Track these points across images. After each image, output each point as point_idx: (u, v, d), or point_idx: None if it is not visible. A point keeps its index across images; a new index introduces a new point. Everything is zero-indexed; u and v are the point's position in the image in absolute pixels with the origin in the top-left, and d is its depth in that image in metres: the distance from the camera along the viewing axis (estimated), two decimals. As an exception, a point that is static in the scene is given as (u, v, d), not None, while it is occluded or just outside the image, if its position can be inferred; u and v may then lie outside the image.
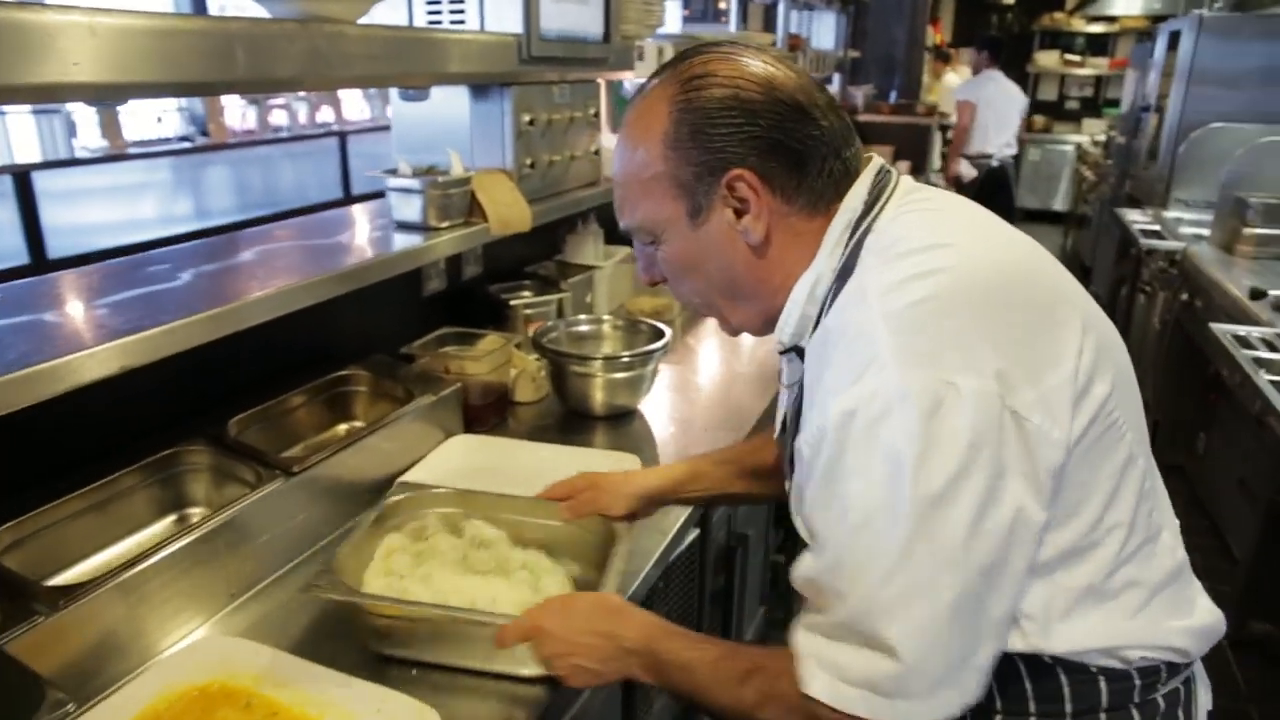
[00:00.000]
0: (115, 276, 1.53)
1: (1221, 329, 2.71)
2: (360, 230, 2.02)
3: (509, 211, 2.09)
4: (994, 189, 6.25)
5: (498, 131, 2.17)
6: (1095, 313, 0.92)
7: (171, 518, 1.45)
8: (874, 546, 0.80)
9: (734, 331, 1.04)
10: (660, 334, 2.02)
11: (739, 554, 2.09)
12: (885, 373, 0.79)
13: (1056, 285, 0.91)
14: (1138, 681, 0.93)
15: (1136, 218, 4.55)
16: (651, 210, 0.95)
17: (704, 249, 0.95)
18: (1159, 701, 0.96)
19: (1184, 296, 3.77)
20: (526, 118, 2.18)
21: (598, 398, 1.96)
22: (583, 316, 2.20)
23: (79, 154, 4.48)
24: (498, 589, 1.23)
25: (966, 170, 6.37)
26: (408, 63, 1.75)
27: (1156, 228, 4.32)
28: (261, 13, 1.52)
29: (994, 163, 6.38)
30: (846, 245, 0.91)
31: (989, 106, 6.34)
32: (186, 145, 4.96)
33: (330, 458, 1.50)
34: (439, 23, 2.13)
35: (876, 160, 0.97)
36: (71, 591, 1.10)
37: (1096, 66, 10.09)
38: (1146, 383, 4.53)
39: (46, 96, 1.13)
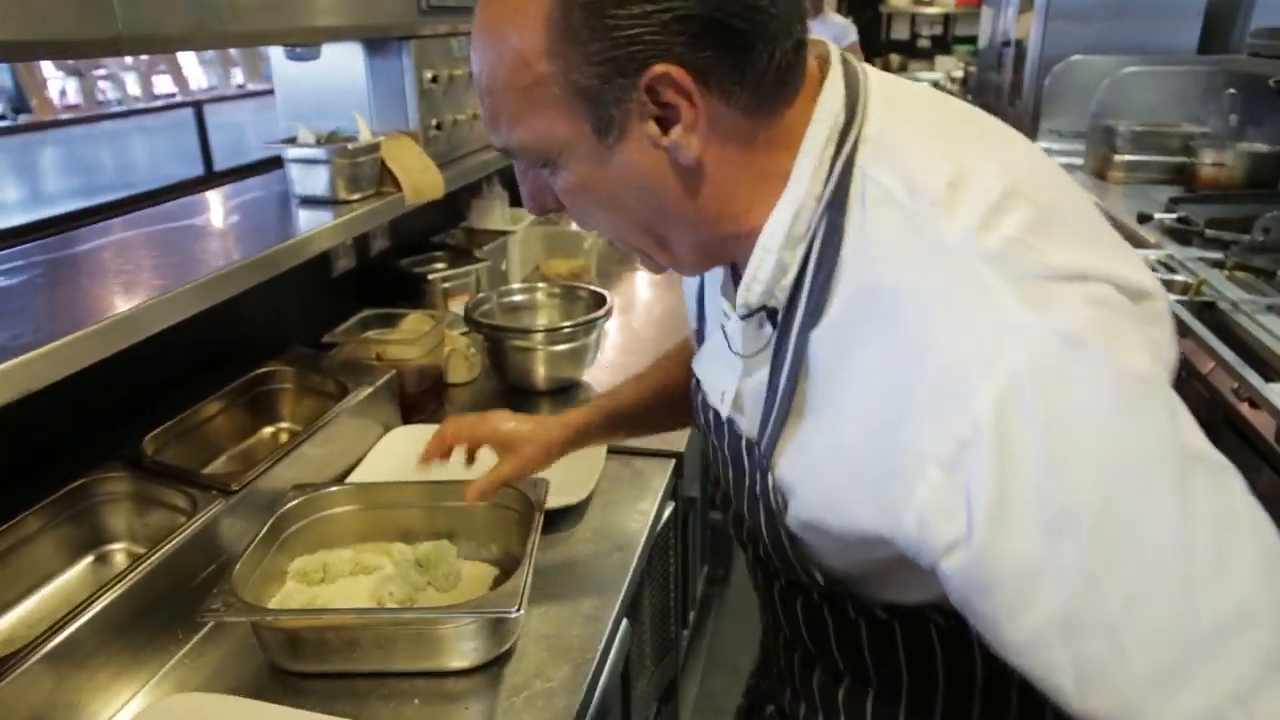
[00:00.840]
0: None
1: (1120, 253, 2.81)
2: (253, 208, 1.80)
3: (421, 178, 1.91)
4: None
5: (398, 91, 1.97)
6: None
7: (88, 559, 1.25)
8: (1148, 522, 0.58)
9: (659, 270, 0.83)
10: (601, 299, 1.90)
11: (690, 518, 2.03)
12: (1029, 328, 0.59)
13: (1079, 187, 0.77)
14: None
15: (1009, 150, 4.70)
16: (540, 128, 0.69)
17: (618, 174, 0.70)
18: None
19: (1064, 224, 3.92)
20: (429, 74, 2.00)
21: (540, 372, 1.84)
22: (515, 286, 2.05)
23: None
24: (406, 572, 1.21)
25: None
26: (300, 15, 1.54)
27: (1030, 159, 4.48)
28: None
29: None
30: (832, 164, 0.69)
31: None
32: (14, 124, 4.41)
33: (269, 469, 1.32)
34: (321, -29, 1.91)
35: (830, 45, 0.75)
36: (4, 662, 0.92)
37: (944, 4, 10.40)
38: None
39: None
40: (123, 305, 1.16)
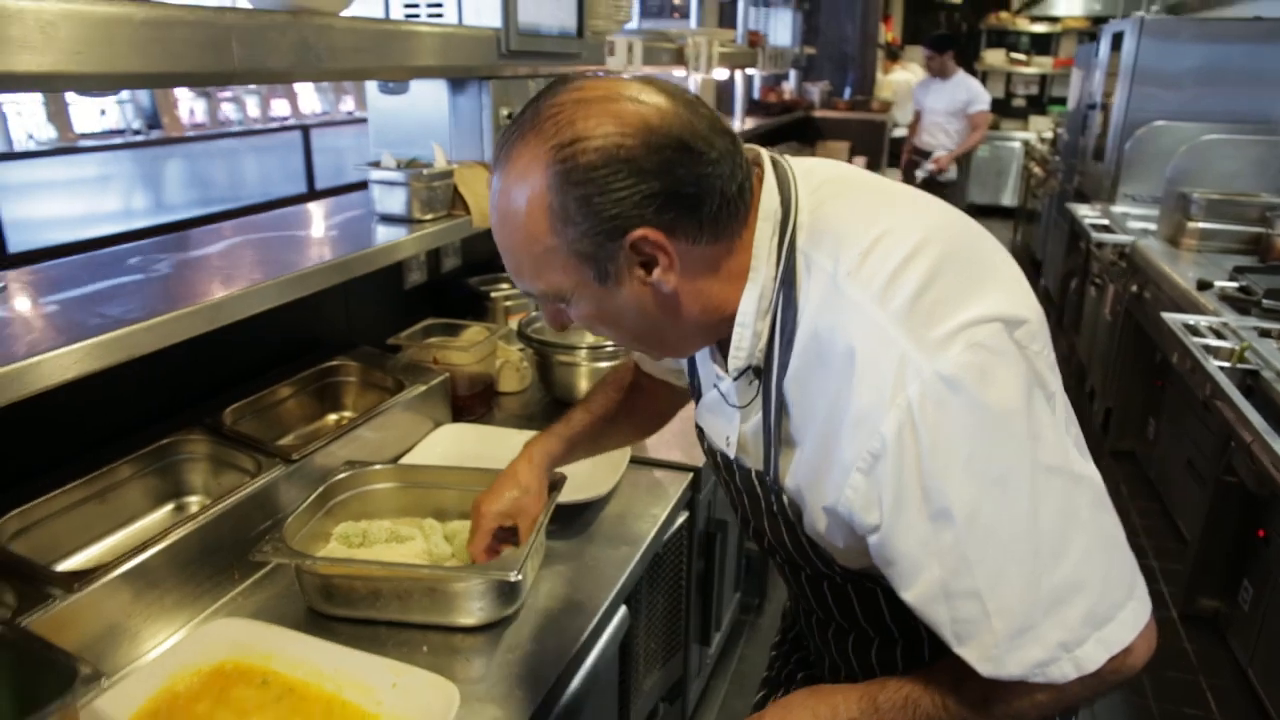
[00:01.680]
0: (98, 268, 1.53)
1: (1172, 318, 2.83)
2: (342, 223, 2.03)
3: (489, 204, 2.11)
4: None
5: (476, 125, 2.19)
6: None
7: (169, 506, 1.45)
8: (1004, 514, 0.79)
9: (659, 359, 1.04)
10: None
11: (718, 540, 2.14)
12: (922, 370, 0.78)
13: (991, 242, 0.92)
14: None
15: (1086, 212, 4.70)
16: (553, 280, 0.88)
17: (617, 306, 0.89)
18: None
19: (1133, 288, 3.91)
20: (504, 111, 2.20)
21: (583, 386, 2.00)
22: (565, 307, 2.23)
23: (28, 147, 4.38)
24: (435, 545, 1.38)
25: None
26: (392, 55, 1.76)
27: (1105, 222, 4.47)
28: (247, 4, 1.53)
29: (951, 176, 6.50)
30: (779, 251, 0.89)
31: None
32: (144, 138, 4.86)
33: (326, 445, 1.51)
34: (416, 16, 2.15)
35: (762, 153, 0.94)
36: (85, 576, 1.11)
37: (1041, 65, 10.36)
38: (1097, 372, 4.71)
39: (47, 85, 1.14)
40: (217, 294, 1.37)
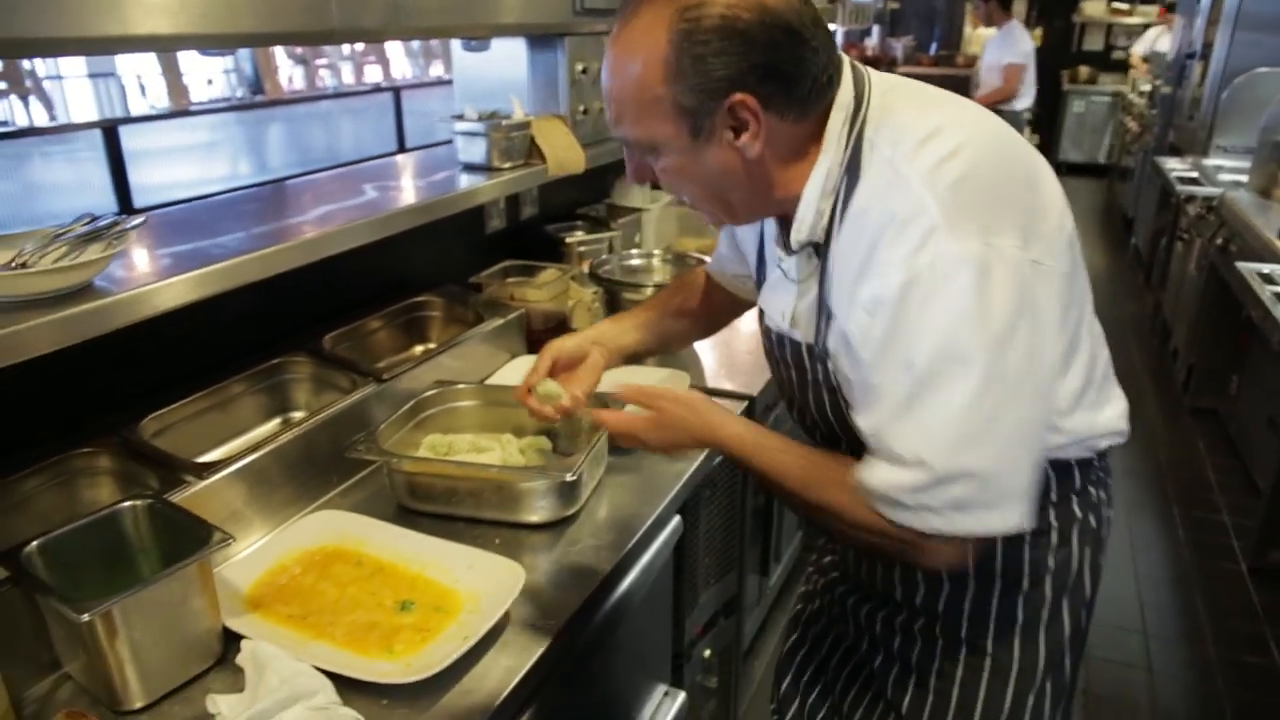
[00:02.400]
0: (218, 209, 1.72)
1: (1247, 267, 2.79)
2: (429, 171, 2.19)
3: (565, 154, 2.25)
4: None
5: (553, 80, 2.32)
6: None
7: (276, 420, 1.65)
8: (948, 392, 0.92)
9: (721, 224, 1.17)
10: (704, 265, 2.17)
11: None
12: (942, 244, 0.90)
13: (1026, 147, 1.05)
14: (1076, 472, 1.17)
15: (1176, 165, 4.57)
16: (652, 128, 0.99)
17: (704, 163, 1.01)
18: (1092, 493, 1.20)
19: (1219, 241, 3.82)
20: (580, 67, 2.33)
21: (647, 325, 2.13)
22: (634, 251, 2.36)
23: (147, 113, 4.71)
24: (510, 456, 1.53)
25: None
26: (475, 14, 1.90)
27: (1195, 175, 4.35)
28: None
29: (1028, 115, 6.34)
30: (848, 141, 1.01)
31: (1029, 59, 6.31)
32: (247, 102, 5.16)
33: (413, 369, 1.69)
34: (496, -24, 2.28)
35: (845, 59, 1.05)
36: (212, 466, 1.31)
37: (1145, 15, 9.89)
38: (1182, 330, 4.61)
39: (179, 45, 1.32)
40: (314, 232, 1.54)
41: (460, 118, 2.13)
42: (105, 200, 3.37)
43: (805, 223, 1.04)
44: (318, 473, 1.50)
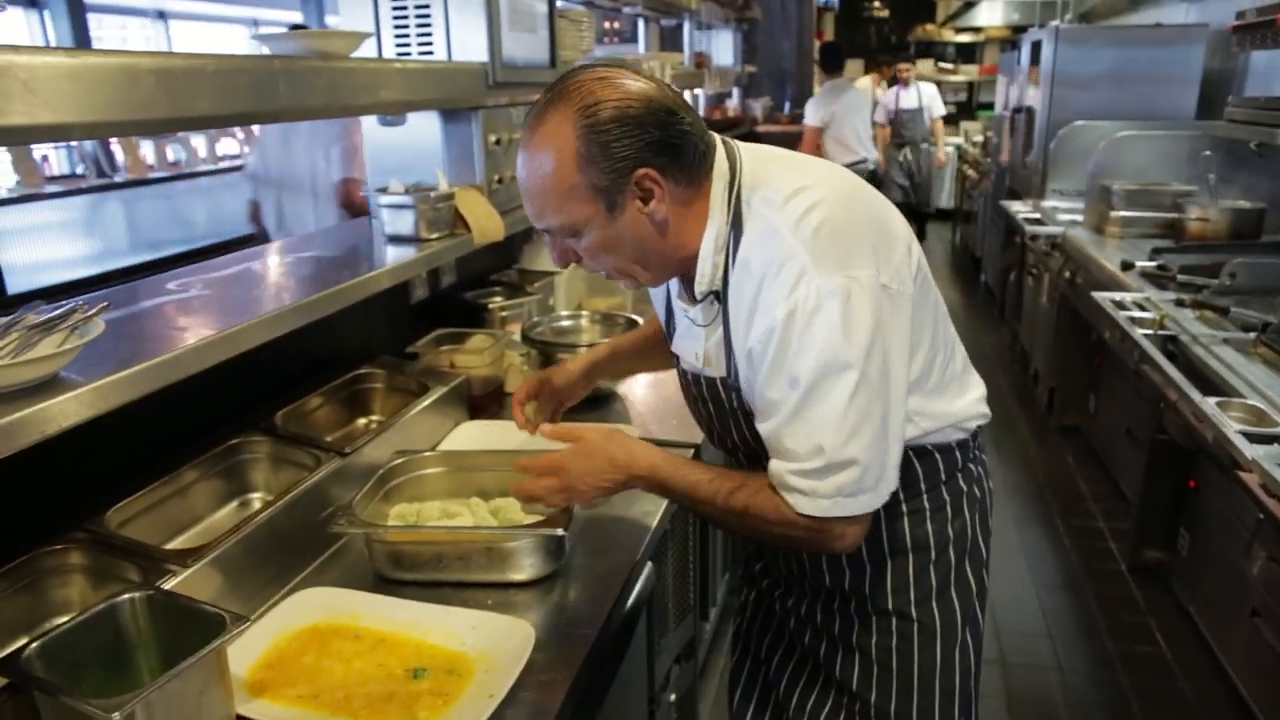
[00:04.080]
0: (134, 299, 1.68)
1: (1101, 296, 3.12)
2: (354, 246, 2.20)
3: (487, 223, 2.31)
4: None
5: (469, 151, 2.38)
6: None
7: (234, 504, 1.61)
8: (828, 397, 1.12)
9: (638, 286, 1.32)
10: (634, 324, 2.26)
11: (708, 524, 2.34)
12: (812, 282, 1.10)
13: (874, 193, 1.27)
14: (957, 453, 1.37)
15: (1020, 208, 5.04)
16: (573, 212, 1.16)
17: (620, 233, 1.17)
18: (972, 468, 1.41)
19: (1066, 274, 4.23)
20: (493, 138, 2.40)
21: (583, 383, 2.19)
22: (563, 313, 2.43)
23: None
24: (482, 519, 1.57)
25: None
26: (401, 90, 1.95)
27: (1037, 216, 4.80)
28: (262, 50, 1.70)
29: (870, 165, 6.62)
30: (729, 203, 1.20)
31: (846, 116, 6.47)
32: (106, 181, 4.95)
33: (372, 441, 1.69)
34: (408, 54, 2.34)
35: (716, 135, 1.25)
36: (194, 552, 1.28)
37: (968, 73, 10.87)
38: (1040, 356, 5.04)
39: (132, 130, 1.31)
40: (262, 310, 1.53)
41: (384, 190, 2.16)
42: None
43: (705, 275, 1.22)
44: (290, 553, 1.47)
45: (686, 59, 5.62)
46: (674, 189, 1.17)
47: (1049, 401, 4.77)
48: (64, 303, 1.28)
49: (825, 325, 1.10)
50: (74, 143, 6.30)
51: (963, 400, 1.36)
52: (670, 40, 6.18)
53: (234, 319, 1.47)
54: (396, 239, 2.16)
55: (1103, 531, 3.68)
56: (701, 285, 1.23)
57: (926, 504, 1.36)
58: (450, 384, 1.99)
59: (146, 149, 7.61)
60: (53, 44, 5.64)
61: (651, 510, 1.70)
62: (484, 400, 2.12)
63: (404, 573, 1.44)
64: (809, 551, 1.39)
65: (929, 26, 10.97)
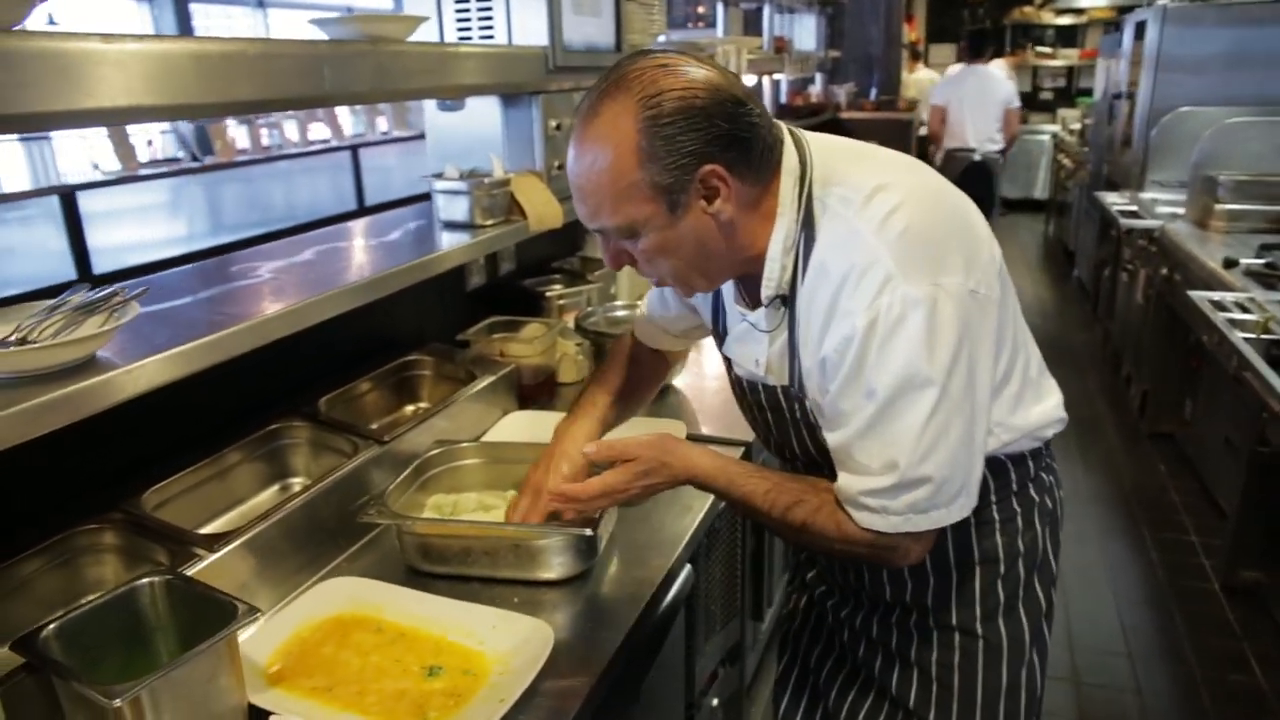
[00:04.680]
0: (193, 281, 1.70)
1: (1199, 295, 2.91)
2: (410, 231, 2.19)
3: (544, 210, 2.27)
4: (972, 181, 6.23)
5: (528, 136, 2.35)
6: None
7: (275, 487, 1.62)
8: (906, 413, 1.04)
9: (691, 293, 1.23)
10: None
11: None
12: (897, 290, 1.02)
13: (954, 190, 1.17)
14: (1029, 462, 1.28)
15: (1115, 200, 4.77)
16: (631, 212, 1.06)
17: (682, 236, 1.08)
18: (1044, 478, 1.32)
19: (1164, 271, 3.98)
20: (553, 123, 2.36)
21: (635, 374, 2.14)
22: (619, 302, 2.38)
23: (95, 177, 4.63)
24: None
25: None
26: (453, 75, 1.93)
27: (1134, 208, 4.53)
28: (319, 35, 1.69)
29: (975, 157, 6.42)
30: (800, 201, 1.11)
31: (963, 103, 6.32)
32: (199, 165, 5.12)
33: (411, 430, 1.67)
34: (469, 38, 2.32)
35: (783, 126, 1.16)
36: (223, 538, 1.28)
37: (1067, 58, 10.38)
38: (1132, 357, 4.76)
39: (168, 114, 1.31)
40: (307, 297, 1.53)
41: (440, 176, 2.14)
42: (62, 265, 3.30)
43: (772, 278, 1.13)
44: (324, 539, 1.47)
45: (766, 43, 5.49)
46: (741, 186, 1.08)
47: (1141, 405, 4.51)
48: (105, 288, 1.29)
49: (907, 338, 1.02)
50: (168, 130, 6.56)
51: (1040, 407, 1.26)
52: (752, 24, 6.06)
53: (282, 302, 1.47)
54: (451, 225, 2.14)
55: (1194, 546, 3.45)
56: (768, 289, 1.14)
57: (996, 515, 1.27)
58: (499, 373, 1.96)
59: (239, 134, 7.86)
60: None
61: (695, 506, 1.64)
62: (534, 390, 2.09)
63: (433, 565, 1.42)
64: (873, 563, 1.31)
65: (1027, 9, 10.50)
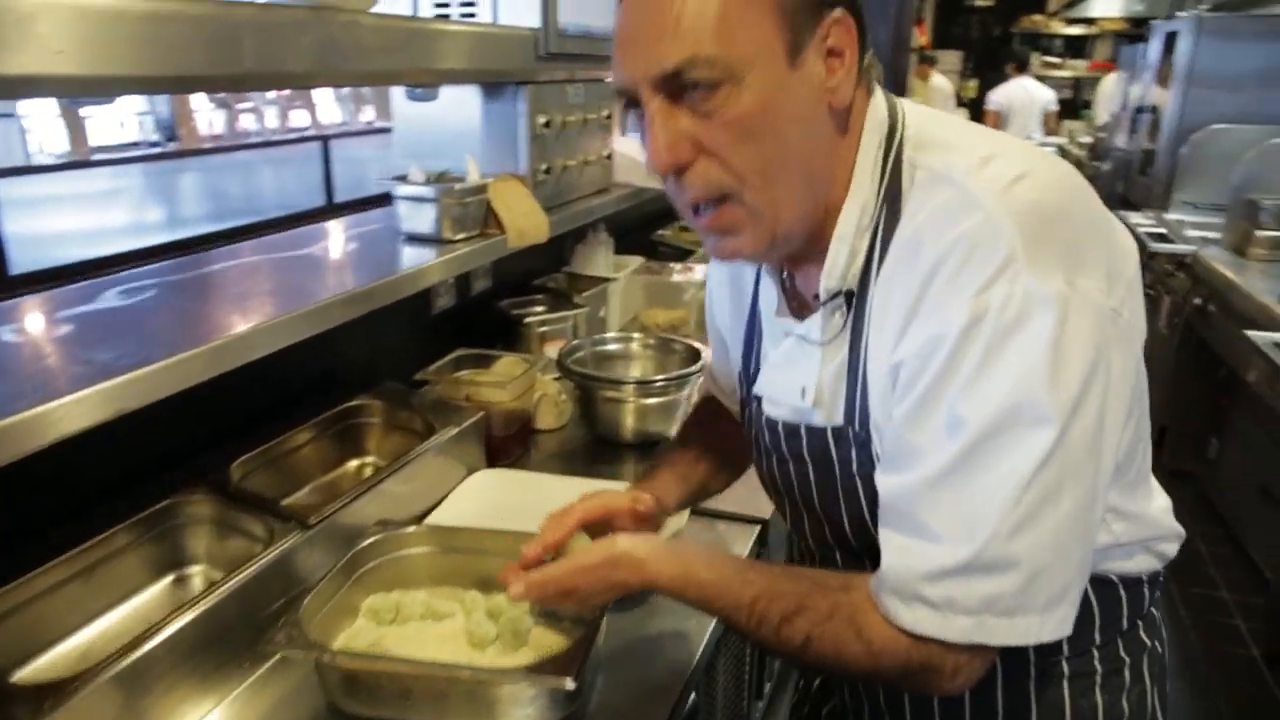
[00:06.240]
0: (91, 300, 1.34)
1: (1260, 336, 2.61)
2: (365, 243, 1.84)
3: (526, 222, 1.93)
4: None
5: (511, 134, 2.00)
6: None
7: (169, 578, 1.26)
8: (1005, 460, 0.72)
9: (733, 254, 0.86)
10: (696, 355, 1.86)
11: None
12: (1019, 277, 0.72)
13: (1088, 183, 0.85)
14: (1145, 590, 0.96)
15: (1140, 220, 4.47)
16: (744, 42, 0.76)
17: (789, 101, 0.78)
18: (1155, 614, 1.02)
19: (1196, 300, 3.68)
20: (542, 119, 2.02)
21: (629, 424, 1.80)
22: (609, 335, 2.04)
23: (40, 160, 4.23)
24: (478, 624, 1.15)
25: None
26: (421, 57, 1.57)
27: (1162, 230, 4.24)
28: None
29: None
30: (883, 167, 0.84)
31: (1011, 106, 7.48)
32: (158, 151, 4.72)
33: (349, 504, 1.32)
34: (447, 15, 1.96)
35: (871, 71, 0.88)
36: (59, 689, 0.92)
37: (1075, 69, 10.11)
38: (1152, 388, 4.48)
39: (23, 90, 0.96)
40: (226, 330, 1.19)
41: (403, 179, 1.79)
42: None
43: (838, 264, 0.85)
44: (224, 661, 1.11)
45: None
46: (854, 74, 0.82)
47: (1159, 440, 4.21)
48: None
49: (1025, 350, 0.71)
50: (145, 111, 6.15)
51: (1153, 506, 0.94)
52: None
53: (190, 342, 1.13)
54: (415, 238, 1.79)
55: (1228, 605, 3.15)
56: (830, 279, 0.85)
57: (1098, 664, 0.95)
58: (464, 422, 1.61)
59: (216, 119, 7.44)
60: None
61: (696, 619, 1.30)
62: (506, 442, 1.74)
63: (361, 706, 1.06)
64: (904, 689, 0.97)
65: (1036, 17, 10.22)
